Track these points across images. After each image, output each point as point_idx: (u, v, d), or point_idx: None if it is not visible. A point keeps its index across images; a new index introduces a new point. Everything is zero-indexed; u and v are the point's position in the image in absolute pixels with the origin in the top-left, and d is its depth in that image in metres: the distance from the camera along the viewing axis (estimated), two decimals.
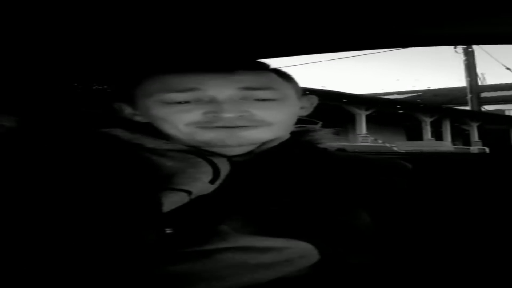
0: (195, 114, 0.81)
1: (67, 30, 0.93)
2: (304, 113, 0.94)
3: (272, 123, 0.84)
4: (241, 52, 1.10)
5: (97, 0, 0.81)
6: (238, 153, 0.85)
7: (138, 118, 0.88)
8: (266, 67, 0.88)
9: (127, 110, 0.89)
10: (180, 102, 0.81)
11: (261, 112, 0.82)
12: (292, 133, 0.90)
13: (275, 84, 0.86)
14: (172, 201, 0.75)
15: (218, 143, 0.82)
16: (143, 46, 1.04)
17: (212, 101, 0.81)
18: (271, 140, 0.87)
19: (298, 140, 0.90)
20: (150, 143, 0.83)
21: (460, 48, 16.84)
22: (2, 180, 0.72)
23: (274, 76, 0.87)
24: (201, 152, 0.82)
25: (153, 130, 0.85)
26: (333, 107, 13.75)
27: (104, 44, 1.02)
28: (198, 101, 0.81)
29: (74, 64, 1.12)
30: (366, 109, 15.42)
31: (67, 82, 1.15)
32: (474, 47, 16.57)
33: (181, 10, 0.87)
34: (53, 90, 1.12)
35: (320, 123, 0.95)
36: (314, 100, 0.95)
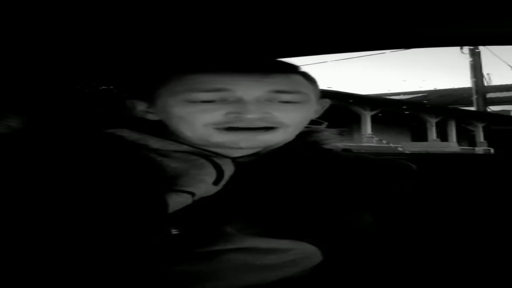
0: (217, 114, 0.80)
1: (79, 29, 0.93)
2: (315, 116, 0.93)
3: (289, 125, 0.83)
4: (249, 53, 1.10)
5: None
6: (243, 154, 0.84)
7: (149, 116, 0.87)
8: (295, 69, 0.87)
9: (140, 107, 0.87)
10: (205, 101, 0.80)
11: (281, 114, 0.82)
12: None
13: (302, 87, 0.85)
14: (176, 202, 0.75)
15: (232, 145, 0.81)
16: (170, 44, 1.04)
17: (238, 101, 0.80)
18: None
19: (303, 141, 0.90)
20: (155, 143, 0.82)
21: (466, 49, 16.78)
22: (9, 180, 0.72)
23: (301, 78, 0.87)
24: (205, 153, 0.82)
25: (159, 130, 0.84)
26: (339, 107, 13.73)
27: (124, 42, 1.01)
28: (224, 101, 0.80)
29: (82, 64, 1.13)
30: (372, 110, 15.39)
31: (73, 83, 1.15)
32: (481, 48, 16.53)
33: (190, 11, 0.87)
34: (59, 91, 1.12)
35: (325, 123, 0.95)
36: (326, 103, 0.95)
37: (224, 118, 0.80)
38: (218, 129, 0.80)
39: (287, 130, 0.84)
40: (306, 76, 0.88)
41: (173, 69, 0.85)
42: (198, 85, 0.80)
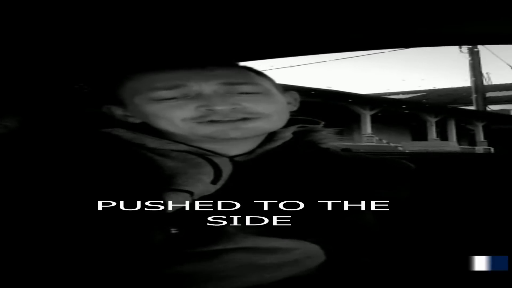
0: (188, 109, 0.80)
1: (64, 30, 0.92)
2: (292, 108, 0.93)
3: (268, 114, 0.83)
4: (245, 52, 1.10)
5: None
6: (240, 152, 0.84)
7: (130, 119, 0.86)
8: (237, 64, 0.89)
9: (117, 112, 0.86)
10: (167, 99, 0.80)
11: (252, 105, 0.82)
12: (294, 133, 0.90)
13: (253, 79, 0.86)
14: (175, 201, 0.74)
15: (222, 136, 0.80)
16: (125, 44, 1.03)
17: (199, 96, 0.80)
18: (274, 141, 0.86)
19: (301, 140, 0.90)
20: (152, 143, 0.82)
21: (465, 48, 16.81)
22: (5, 180, 0.72)
23: (248, 72, 0.87)
24: (202, 152, 0.82)
25: (152, 130, 0.84)
26: (338, 107, 13.76)
27: (89, 43, 1.01)
28: (186, 97, 0.80)
29: (76, 64, 1.12)
30: (371, 109, 15.41)
31: (68, 83, 1.15)
32: (480, 47, 16.54)
33: (175, 11, 0.87)
34: (55, 91, 1.12)
35: (323, 123, 0.95)
36: (296, 95, 0.95)
37: (196, 112, 0.80)
38: (199, 122, 0.80)
39: (270, 119, 0.84)
40: (253, 70, 0.89)
41: (128, 69, 0.86)
42: (155, 83, 0.81)
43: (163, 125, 0.82)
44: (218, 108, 0.79)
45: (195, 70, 0.83)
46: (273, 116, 0.84)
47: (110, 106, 0.87)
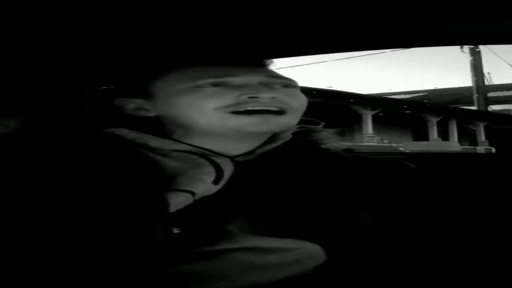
0: (227, 98, 0.80)
1: (74, 27, 0.92)
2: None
3: (295, 109, 0.85)
4: (248, 52, 1.10)
5: None
6: (241, 152, 0.84)
7: (143, 113, 0.86)
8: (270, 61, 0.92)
9: (131, 105, 0.86)
10: (212, 85, 0.81)
11: (285, 98, 0.83)
12: (294, 133, 0.90)
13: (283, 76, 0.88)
14: (176, 201, 0.75)
15: (251, 128, 0.80)
16: (170, 41, 1.04)
17: (244, 85, 0.82)
18: (274, 142, 0.86)
19: (301, 140, 0.90)
20: (154, 143, 0.82)
21: (466, 48, 16.78)
22: (7, 180, 0.72)
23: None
24: (204, 153, 0.82)
25: (157, 129, 0.84)
26: (340, 107, 13.75)
27: (117, 39, 1.01)
28: (228, 86, 0.82)
29: (79, 63, 1.13)
30: (373, 109, 15.41)
31: (71, 82, 1.15)
32: (481, 47, 16.52)
33: (187, 10, 0.87)
34: (57, 90, 1.12)
35: (323, 123, 0.95)
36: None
37: (237, 100, 0.80)
38: (233, 112, 0.80)
39: (294, 115, 0.85)
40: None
41: (174, 62, 0.87)
42: (200, 74, 0.82)
43: (191, 115, 0.81)
44: (263, 95, 0.81)
45: (240, 65, 0.85)
46: (297, 111, 0.86)
47: (124, 99, 0.87)
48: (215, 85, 0.81)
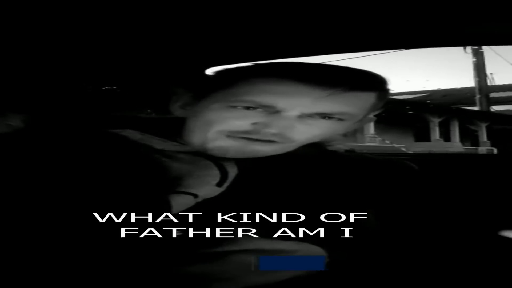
0: (245, 123, 0.77)
1: (69, 30, 0.93)
2: (375, 111, 0.89)
3: (295, 140, 0.81)
4: (249, 53, 1.10)
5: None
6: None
7: (178, 111, 0.85)
8: (372, 88, 0.82)
9: (183, 94, 0.85)
10: (246, 108, 0.77)
11: (298, 132, 0.79)
12: None
13: (356, 108, 0.81)
14: (179, 203, 0.75)
15: (219, 153, 0.80)
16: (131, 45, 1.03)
17: (274, 113, 0.76)
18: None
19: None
20: (159, 144, 0.82)
21: (469, 49, 16.74)
22: (10, 179, 0.72)
23: (366, 96, 0.82)
24: (209, 155, 0.82)
25: (161, 130, 0.84)
26: None
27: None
28: (263, 111, 0.77)
29: (87, 65, 1.13)
30: None
31: (76, 83, 1.16)
32: (484, 47, 16.48)
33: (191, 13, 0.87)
34: (62, 90, 1.12)
35: None
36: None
37: (249, 127, 0.77)
38: (228, 136, 0.78)
39: (288, 145, 0.81)
40: (381, 94, 0.83)
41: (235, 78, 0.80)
42: (249, 97, 0.76)
43: (196, 132, 0.81)
44: (269, 130, 0.76)
45: (303, 88, 0.75)
46: (297, 142, 0.82)
47: (183, 89, 0.86)
48: (251, 108, 0.77)
